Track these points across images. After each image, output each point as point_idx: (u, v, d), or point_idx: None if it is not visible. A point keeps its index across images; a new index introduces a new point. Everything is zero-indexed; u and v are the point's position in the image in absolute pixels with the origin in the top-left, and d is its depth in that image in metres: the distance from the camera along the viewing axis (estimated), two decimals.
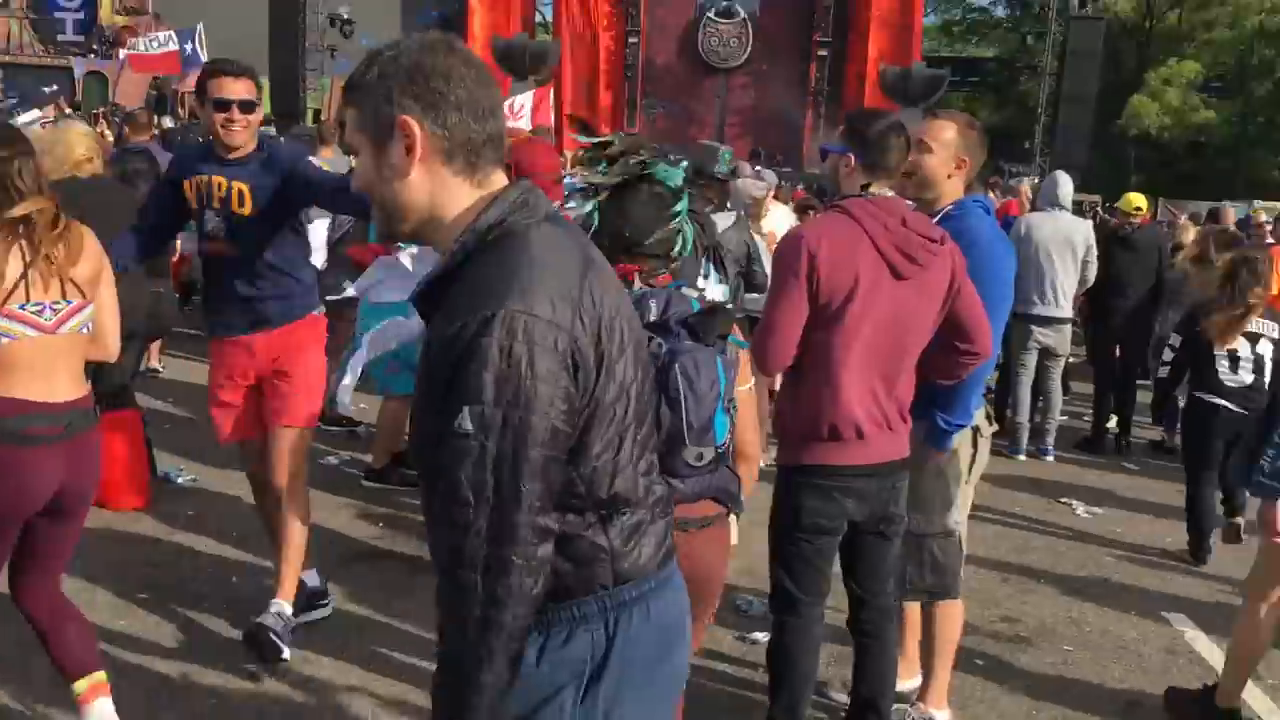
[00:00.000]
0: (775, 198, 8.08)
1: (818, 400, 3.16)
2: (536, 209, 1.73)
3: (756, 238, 6.14)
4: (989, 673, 4.37)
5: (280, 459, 4.07)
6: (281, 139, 4.63)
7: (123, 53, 20.88)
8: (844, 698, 3.80)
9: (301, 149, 4.15)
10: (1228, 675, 4.06)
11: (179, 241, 7.49)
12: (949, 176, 3.48)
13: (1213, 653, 4.73)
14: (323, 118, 19.32)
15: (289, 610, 4.03)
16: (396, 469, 6.20)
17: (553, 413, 1.60)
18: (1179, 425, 6.98)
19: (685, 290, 2.81)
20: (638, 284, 2.76)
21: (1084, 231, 7.73)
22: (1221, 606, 5.22)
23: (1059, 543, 6.13)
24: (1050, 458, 7.90)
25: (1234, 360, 5.76)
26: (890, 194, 3.23)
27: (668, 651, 1.84)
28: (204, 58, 14.55)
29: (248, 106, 3.89)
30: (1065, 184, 7.74)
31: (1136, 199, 8.52)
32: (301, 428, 4.12)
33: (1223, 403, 5.75)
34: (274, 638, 3.89)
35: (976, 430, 3.63)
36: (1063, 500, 6.90)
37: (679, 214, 2.80)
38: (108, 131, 12.94)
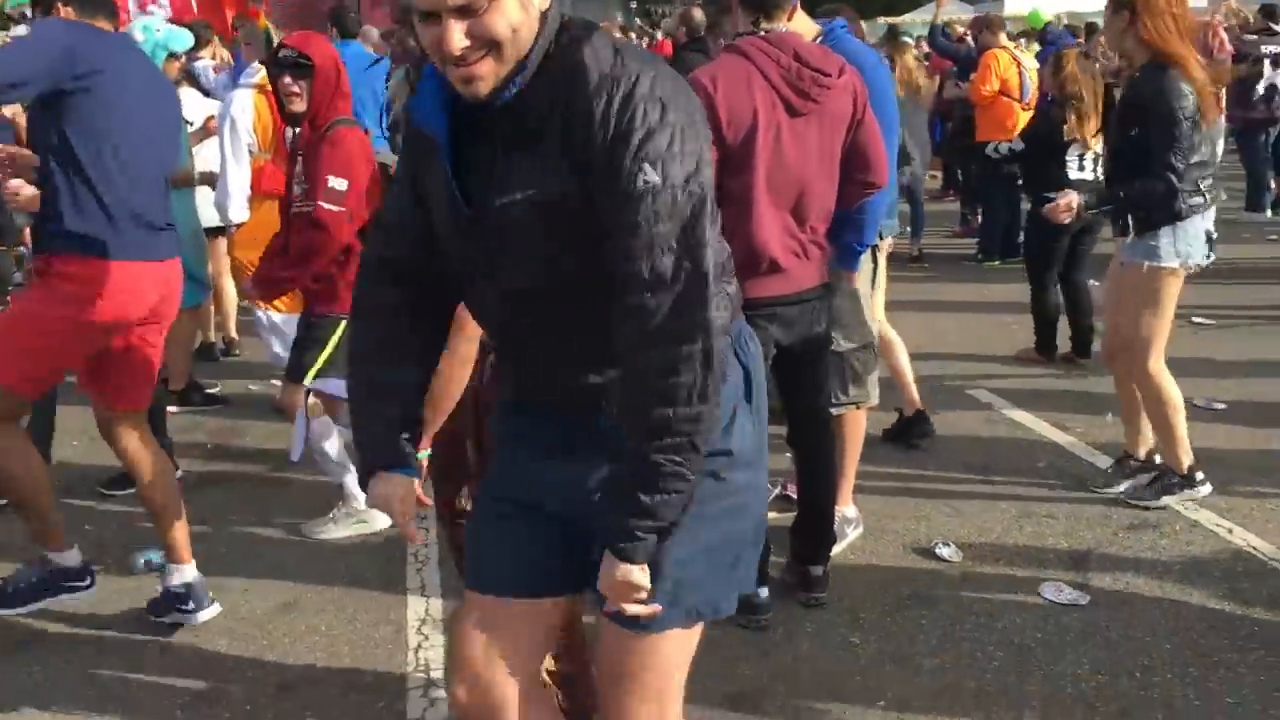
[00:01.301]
0: None
1: (736, 241, 3.28)
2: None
3: None
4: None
5: None
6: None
7: None
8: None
9: None
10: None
11: None
12: None
13: (1018, 414, 5.51)
14: None
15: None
16: (198, 389, 5.95)
17: (708, 155, 1.74)
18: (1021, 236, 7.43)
19: None
20: None
21: None
22: (1015, 382, 6.03)
23: None
24: None
25: (1082, 157, 6.00)
26: (785, 29, 3.34)
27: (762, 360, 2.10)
28: None
29: None
30: None
31: None
32: None
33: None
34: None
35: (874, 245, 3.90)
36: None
37: None
38: None
